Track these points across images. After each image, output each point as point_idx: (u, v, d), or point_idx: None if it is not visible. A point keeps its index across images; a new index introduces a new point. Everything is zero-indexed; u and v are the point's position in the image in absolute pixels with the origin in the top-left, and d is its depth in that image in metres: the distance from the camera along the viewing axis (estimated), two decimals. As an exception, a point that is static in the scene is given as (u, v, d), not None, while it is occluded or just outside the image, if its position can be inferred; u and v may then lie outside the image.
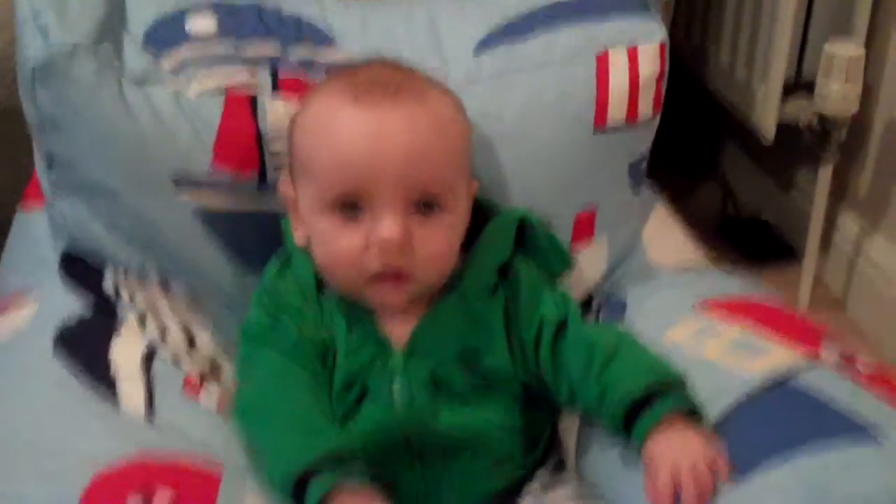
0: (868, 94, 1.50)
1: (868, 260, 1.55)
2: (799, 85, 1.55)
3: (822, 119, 1.47)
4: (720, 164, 1.94)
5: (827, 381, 0.82)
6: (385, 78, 0.86)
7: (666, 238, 1.08)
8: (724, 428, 0.79)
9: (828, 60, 1.42)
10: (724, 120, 1.73)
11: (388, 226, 0.81)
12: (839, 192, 1.61)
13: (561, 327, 0.87)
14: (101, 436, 0.74)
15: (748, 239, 1.76)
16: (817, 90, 1.45)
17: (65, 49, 0.88)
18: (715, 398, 0.82)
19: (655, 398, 0.78)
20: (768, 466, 0.74)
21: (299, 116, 0.88)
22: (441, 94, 0.88)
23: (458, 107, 0.89)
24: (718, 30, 1.69)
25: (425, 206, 0.83)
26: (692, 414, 0.79)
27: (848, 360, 0.86)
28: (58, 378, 0.80)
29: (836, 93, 1.42)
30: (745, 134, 1.64)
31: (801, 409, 0.79)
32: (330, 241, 0.84)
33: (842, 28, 1.50)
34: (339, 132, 0.83)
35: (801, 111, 1.52)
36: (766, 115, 1.54)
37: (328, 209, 0.84)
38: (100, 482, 0.68)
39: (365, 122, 0.82)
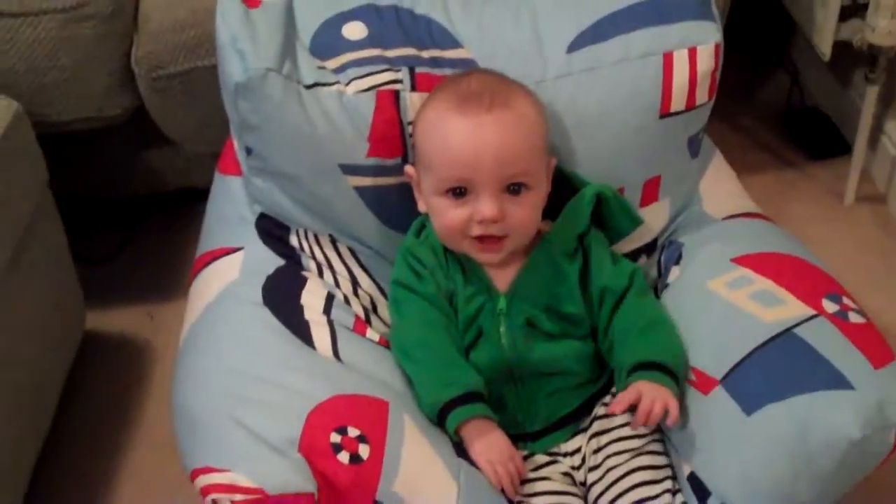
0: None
1: (909, 164, 1.80)
2: (857, 7, 1.76)
3: (871, 46, 1.70)
4: (790, 53, 2.15)
5: (822, 332, 1.11)
6: (481, 89, 1.14)
7: (719, 189, 1.36)
8: (744, 368, 1.10)
9: (876, -2, 1.64)
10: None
11: (487, 207, 1.12)
12: (889, 98, 1.84)
13: (622, 297, 1.18)
14: (308, 377, 1.07)
15: (809, 131, 2.01)
16: (867, 22, 1.67)
17: (259, 73, 1.17)
18: (740, 341, 1.12)
19: (657, 368, 1.11)
20: (769, 403, 1.06)
21: (419, 118, 1.18)
22: (524, 97, 1.16)
23: (538, 107, 1.17)
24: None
25: (514, 188, 1.13)
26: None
27: (843, 310, 1.14)
28: (268, 326, 1.14)
29: (883, 27, 1.65)
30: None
31: (798, 357, 1.09)
32: (444, 215, 1.15)
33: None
34: (448, 137, 1.13)
35: (856, 33, 1.74)
36: (824, 36, 1.76)
37: (443, 193, 1.14)
38: (312, 418, 1.02)
39: (466, 130, 1.12)
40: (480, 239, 1.14)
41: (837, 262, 1.74)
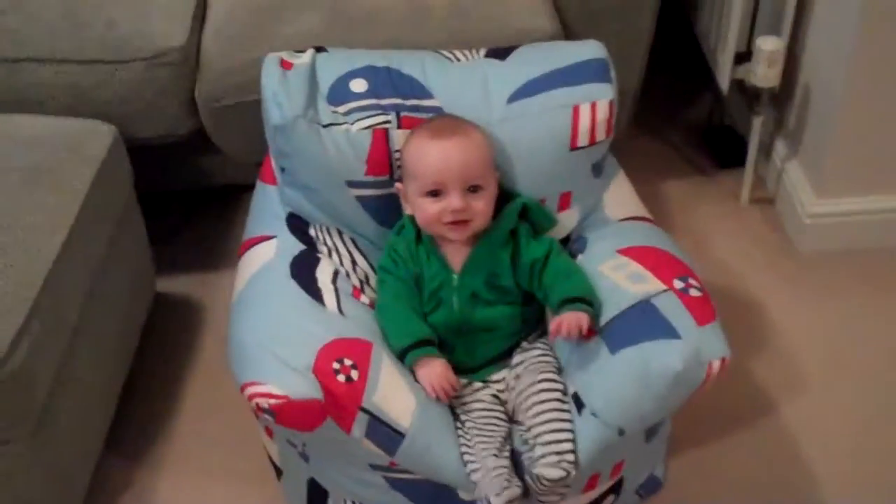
0: (796, 64, 2.24)
1: (788, 175, 2.33)
2: (749, 54, 2.28)
3: (754, 86, 2.22)
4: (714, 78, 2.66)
5: (669, 302, 1.62)
6: (446, 125, 1.67)
7: (618, 198, 1.87)
8: (613, 323, 1.62)
9: (757, 51, 2.16)
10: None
11: (456, 201, 1.64)
12: (777, 121, 2.37)
13: (546, 260, 1.70)
14: (319, 324, 1.60)
15: (722, 145, 2.52)
16: (750, 67, 2.19)
17: (291, 119, 1.70)
18: (613, 305, 1.64)
19: (579, 301, 1.62)
20: (627, 346, 1.59)
21: (406, 147, 1.70)
22: (476, 130, 1.68)
23: (484, 135, 1.69)
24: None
25: (473, 189, 1.66)
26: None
27: (687, 287, 1.67)
28: (293, 291, 1.67)
29: (762, 73, 2.17)
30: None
31: (650, 318, 1.60)
32: (426, 210, 1.67)
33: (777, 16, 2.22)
34: (427, 156, 1.65)
35: (746, 74, 2.26)
36: (723, 75, 2.29)
37: (424, 194, 1.67)
38: (321, 352, 1.56)
39: (439, 151, 1.64)
40: (452, 224, 1.67)
41: (731, 249, 2.30)
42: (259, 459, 1.83)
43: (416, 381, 1.63)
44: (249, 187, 1.94)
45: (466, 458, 1.59)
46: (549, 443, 1.57)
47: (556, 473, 1.53)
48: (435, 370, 1.62)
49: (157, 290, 2.17)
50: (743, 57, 2.27)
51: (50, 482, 1.69)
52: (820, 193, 2.23)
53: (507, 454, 1.61)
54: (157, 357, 2.10)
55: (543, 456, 1.56)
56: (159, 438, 1.97)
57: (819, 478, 1.88)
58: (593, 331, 1.62)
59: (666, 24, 2.34)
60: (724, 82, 2.29)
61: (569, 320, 1.59)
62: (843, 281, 2.22)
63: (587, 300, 1.63)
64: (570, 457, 1.56)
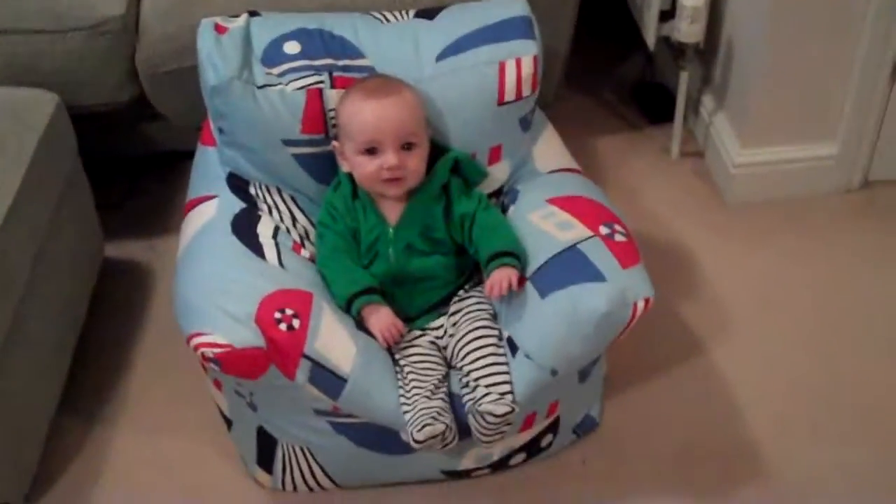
0: (719, 19, 2.32)
1: (715, 128, 2.41)
2: (674, 10, 2.35)
3: (679, 42, 2.30)
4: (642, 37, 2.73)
5: (595, 247, 1.70)
6: (380, 85, 1.74)
7: (547, 152, 1.95)
8: (543, 269, 1.71)
9: (680, 7, 2.24)
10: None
11: (391, 158, 1.71)
12: (704, 77, 2.45)
13: (474, 216, 1.78)
14: (260, 277, 1.67)
15: (653, 101, 2.60)
16: (674, 24, 2.27)
17: (226, 79, 1.76)
18: (543, 252, 1.72)
19: (505, 255, 1.70)
20: (555, 290, 1.67)
21: (342, 107, 1.76)
22: (408, 89, 1.75)
23: (417, 94, 1.75)
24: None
25: (408, 146, 1.73)
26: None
27: (612, 232, 1.75)
28: (234, 246, 1.73)
29: (685, 29, 2.24)
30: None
31: (577, 262, 1.68)
32: (364, 167, 1.74)
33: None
34: (363, 115, 1.72)
35: (671, 31, 2.34)
36: (649, 32, 2.36)
37: (360, 152, 1.73)
38: (263, 302, 1.62)
39: (374, 110, 1.71)
40: (388, 180, 1.74)
41: (661, 200, 2.38)
42: (210, 415, 1.89)
43: (361, 329, 1.71)
44: (193, 154, 1.99)
45: (402, 399, 1.67)
46: (489, 385, 1.65)
47: (502, 409, 1.63)
48: (383, 317, 1.70)
49: (106, 255, 2.23)
50: (668, 14, 2.34)
51: (4, 442, 1.74)
52: (745, 144, 2.31)
53: (440, 396, 1.68)
54: (108, 320, 2.16)
55: (486, 395, 1.63)
56: (112, 398, 2.03)
57: (749, 417, 1.97)
58: (523, 278, 1.69)
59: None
60: (650, 39, 2.37)
61: (499, 280, 1.67)
62: (770, 227, 2.32)
63: (513, 253, 1.70)
64: (510, 397, 1.64)
